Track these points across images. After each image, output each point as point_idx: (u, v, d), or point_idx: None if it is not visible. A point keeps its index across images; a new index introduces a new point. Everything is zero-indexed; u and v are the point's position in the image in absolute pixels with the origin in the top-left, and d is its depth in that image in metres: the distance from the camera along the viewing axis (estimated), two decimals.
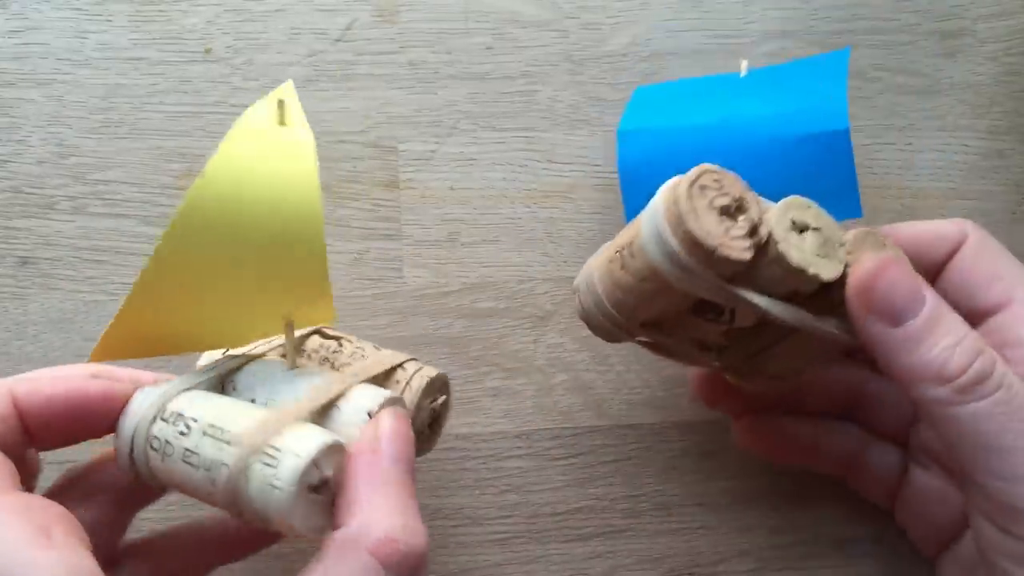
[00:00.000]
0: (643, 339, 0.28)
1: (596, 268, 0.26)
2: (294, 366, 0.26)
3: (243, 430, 0.22)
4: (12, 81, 0.34)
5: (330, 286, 0.25)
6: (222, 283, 0.25)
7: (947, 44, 0.37)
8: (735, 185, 0.24)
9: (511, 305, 0.35)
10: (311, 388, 0.25)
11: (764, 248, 0.23)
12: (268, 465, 0.22)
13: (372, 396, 0.25)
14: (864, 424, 0.32)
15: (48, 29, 0.34)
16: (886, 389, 0.31)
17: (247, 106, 0.34)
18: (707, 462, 0.35)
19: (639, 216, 0.24)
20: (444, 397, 0.28)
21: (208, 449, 0.22)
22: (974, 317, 0.27)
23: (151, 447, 0.23)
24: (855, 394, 0.31)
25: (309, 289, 0.25)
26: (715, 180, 0.23)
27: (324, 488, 0.22)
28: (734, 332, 0.27)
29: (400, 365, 0.27)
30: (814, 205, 0.24)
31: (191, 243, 0.24)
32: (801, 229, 0.24)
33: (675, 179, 0.24)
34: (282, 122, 0.26)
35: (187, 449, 0.23)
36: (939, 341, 0.23)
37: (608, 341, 0.28)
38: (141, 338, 0.25)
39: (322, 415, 0.24)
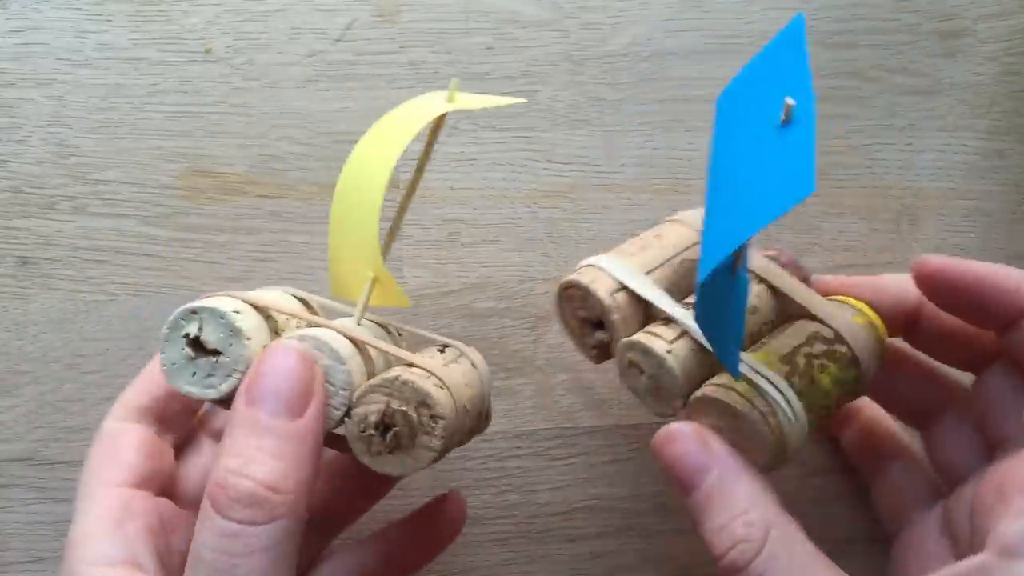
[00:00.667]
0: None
1: None
2: (359, 321, 0.26)
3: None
4: (12, 81, 0.34)
5: (381, 264, 0.26)
6: (343, 243, 0.26)
7: (947, 44, 0.37)
8: (595, 303, 0.26)
9: (511, 305, 0.35)
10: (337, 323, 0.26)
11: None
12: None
13: (327, 331, 0.25)
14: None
15: (48, 29, 0.34)
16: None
17: (247, 106, 0.35)
18: None
19: None
20: (403, 407, 0.23)
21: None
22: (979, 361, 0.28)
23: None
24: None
25: (369, 261, 0.26)
26: (580, 295, 0.27)
27: (206, 354, 0.24)
28: None
29: (414, 365, 0.25)
30: (656, 357, 0.25)
31: (337, 200, 0.26)
32: (640, 369, 0.26)
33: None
34: (450, 99, 0.26)
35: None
36: (712, 518, 0.24)
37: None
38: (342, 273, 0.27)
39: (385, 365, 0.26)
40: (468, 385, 0.25)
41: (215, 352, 0.24)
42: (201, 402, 0.28)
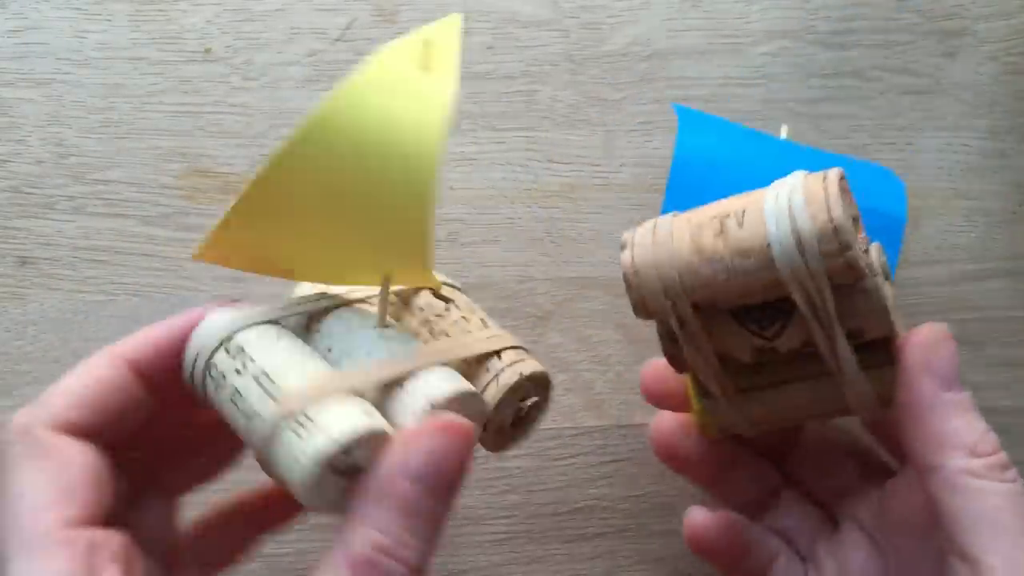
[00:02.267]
0: (670, 325, 0.25)
1: (674, 226, 0.24)
2: (383, 325, 0.24)
3: (288, 389, 0.21)
4: (12, 81, 0.34)
5: (432, 252, 0.23)
6: (325, 219, 0.23)
7: (947, 44, 0.37)
8: (854, 206, 0.23)
9: (511, 305, 0.35)
10: (386, 357, 0.22)
11: (863, 277, 0.23)
12: (298, 435, 0.20)
13: (440, 386, 0.22)
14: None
15: (48, 28, 0.34)
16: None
17: (247, 106, 0.35)
18: None
19: (759, 190, 0.23)
20: (537, 399, 0.25)
21: (254, 396, 0.21)
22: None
23: (209, 374, 0.22)
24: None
25: (409, 249, 0.23)
26: (847, 192, 0.23)
27: (352, 474, 0.21)
28: (762, 353, 0.25)
29: (497, 353, 0.24)
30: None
31: (299, 169, 0.22)
32: (885, 277, 0.24)
33: (819, 172, 0.23)
34: (426, 66, 0.23)
35: (236, 389, 0.21)
36: (978, 420, 0.24)
37: (637, 312, 0.25)
38: (242, 249, 0.24)
39: (386, 391, 0.22)
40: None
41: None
42: (156, 416, 0.24)
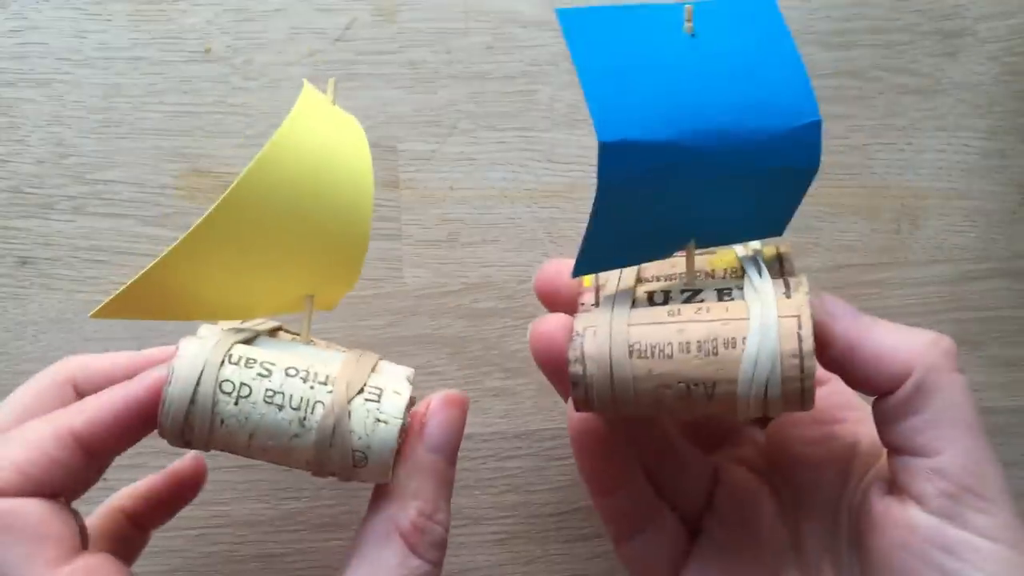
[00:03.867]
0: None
1: (641, 376, 0.23)
2: (309, 341, 0.26)
3: (339, 371, 0.24)
4: (12, 81, 0.34)
5: (361, 264, 0.26)
6: (259, 254, 0.24)
7: (947, 44, 0.37)
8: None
9: (511, 305, 0.35)
10: (344, 355, 0.25)
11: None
12: (372, 401, 0.23)
13: (399, 369, 0.25)
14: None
15: (47, 29, 0.34)
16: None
17: (247, 106, 0.35)
18: None
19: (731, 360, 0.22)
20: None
21: (298, 389, 0.23)
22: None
23: (221, 390, 0.23)
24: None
25: (342, 270, 0.26)
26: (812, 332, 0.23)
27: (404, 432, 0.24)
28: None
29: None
30: None
31: (245, 212, 0.23)
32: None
33: (796, 319, 0.22)
34: (333, 102, 0.26)
35: (269, 390, 0.23)
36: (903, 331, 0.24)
37: (578, 406, 0.24)
38: (159, 299, 0.24)
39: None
40: None
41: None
42: (95, 477, 0.25)
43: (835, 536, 0.26)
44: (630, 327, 0.23)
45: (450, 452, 0.25)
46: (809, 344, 0.22)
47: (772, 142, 0.24)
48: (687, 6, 0.24)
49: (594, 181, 0.36)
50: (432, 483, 0.24)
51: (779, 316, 0.22)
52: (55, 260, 0.34)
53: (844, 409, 0.28)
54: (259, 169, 0.23)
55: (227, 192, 0.23)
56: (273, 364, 0.23)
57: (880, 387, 0.23)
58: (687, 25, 0.24)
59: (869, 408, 0.25)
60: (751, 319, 0.23)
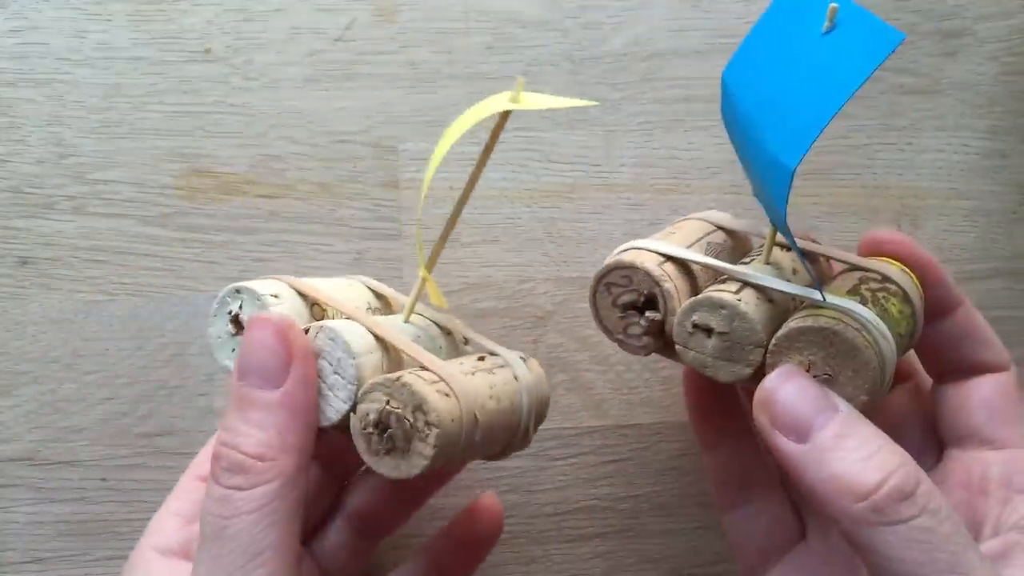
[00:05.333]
0: None
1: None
2: (407, 319, 0.27)
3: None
4: (12, 81, 0.34)
5: (422, 262, 0.27)
6: None
7: (947, 44, 0.37)
8: (645, 280, 0.25)
9: (511, 305, 0.35)
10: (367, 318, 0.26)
11: (670, 341, 0.25)
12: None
13: (340, 323, 0.25)
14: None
15: (47, 28, 0.34)
16: None
17: (247, 106, 0.35)
18: None
19: None
20: (398, 409, 0.23)
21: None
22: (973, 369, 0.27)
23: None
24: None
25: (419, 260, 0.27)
26: (624, 277, 0.26)
27: (240, 328, 0.25)
28: None
29: (423, 367, 0.25)
30: (732, 306, 0.24)
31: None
32: (708, 329, 0.24)
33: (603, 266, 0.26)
34: (514, 100, 0.25)
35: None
36: (849, 453, 0.21)
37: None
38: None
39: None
40: (495, 398, 0.24)
41: None
42: None
43: None
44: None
45: (247, 373, 0.23)
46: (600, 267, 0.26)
47: (765, 148, 0.24)
48: (832, 5, 0.24)
49: (594, 180, 0.36)
50: (232, 408, 0.23)
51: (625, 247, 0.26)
52: (55, 260, 0.34)
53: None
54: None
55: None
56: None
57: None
58: (826, 23, 0.25)
59: None
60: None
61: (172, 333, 0.34)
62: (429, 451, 0.22)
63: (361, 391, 0.23)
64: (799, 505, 0.29)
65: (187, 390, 0.33)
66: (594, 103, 0.24)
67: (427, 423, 0.22)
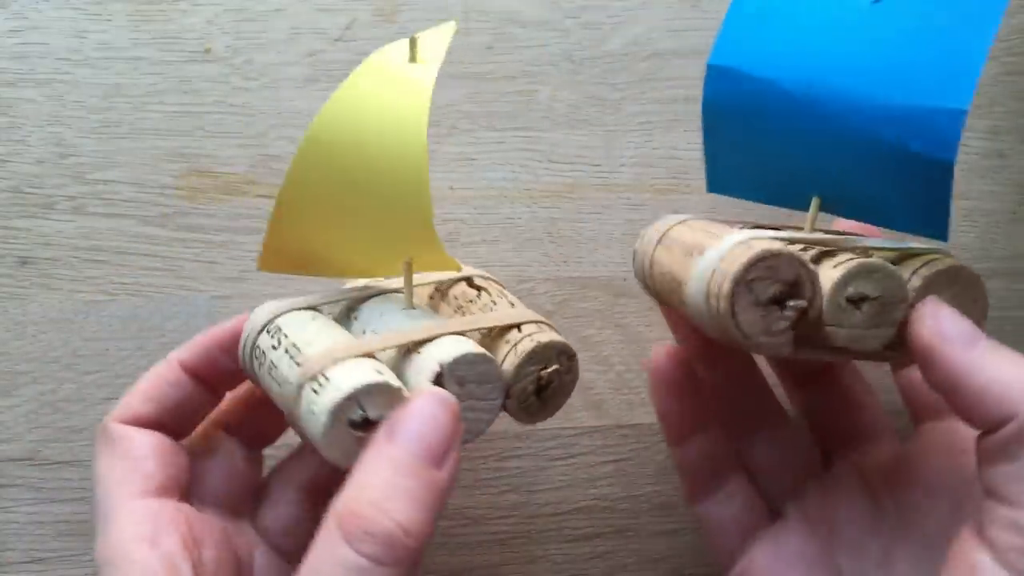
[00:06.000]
0: None
1: (655, 261, 0.27)
2: (411, 305, 0.26)
3: (310, 355, 0.23)
4: (12, 81, 0.34)
5: (435, 234, 0.25)
6: (346, 216, 0.25)
7: None
8: (790, 266, 0.23)
9: None
10: (406, 329, 0.24)
11: (817, 321, 0.23)
12: (315, 391, 0.22)
13: (451, 348, 0.24)
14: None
15: (47, 28, 0.34)
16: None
17: (247, 106, 0.35)
18: None
19: (689, 264, 0.24)
20: (557, 366, 0.25)
21: (284, 365, 0.24)
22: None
23: (254, 355, 0.25)
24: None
25: (418, 232, 0.25)
26: (768, 267, 0.22)
27: (369, 427, 0.22)
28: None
29: (517, 326, 0.26)
30: (882, 267, 0.23)
31: (313, 172, 0.25)
32: (859, 300, 0.23)
33: (726, 261, 0.23)
34: (413, 59, 0.25)
35: (272, 362, 0.24)
36: (1015, 358, 0.22)
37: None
38: (290, 254, 0.27)
39: (403, 356, 0.24)
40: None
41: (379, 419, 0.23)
42: (210, 404, 0.28)
43: (927, 571, 0.25)
44: (678, 224, 0.27)
45: (412, 441, 0.22)
46: (735, 265, 0.22)
47: (902, 118, 0.23)
48: None
49: (594, 180, 0.36)
50: (385, 470, 0.21)
51: (742, 240, 0.23)
52: (55, 260, 0.34)
53: None
54: (318, 127, 0.24)
55: (297, 151, 0.24)
56: (286, 337, 0.24)
57: (980, 424, 0.22)
58: None
59: None
60: (726, 237, 0.24)
61: (172, 333, 0.34)
62: (576, 375, 0.26)
63: (507, 378, 0.25)
64: (768, 485, 0.30)
65: None
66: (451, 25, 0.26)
67: (569, 356, 0.25)
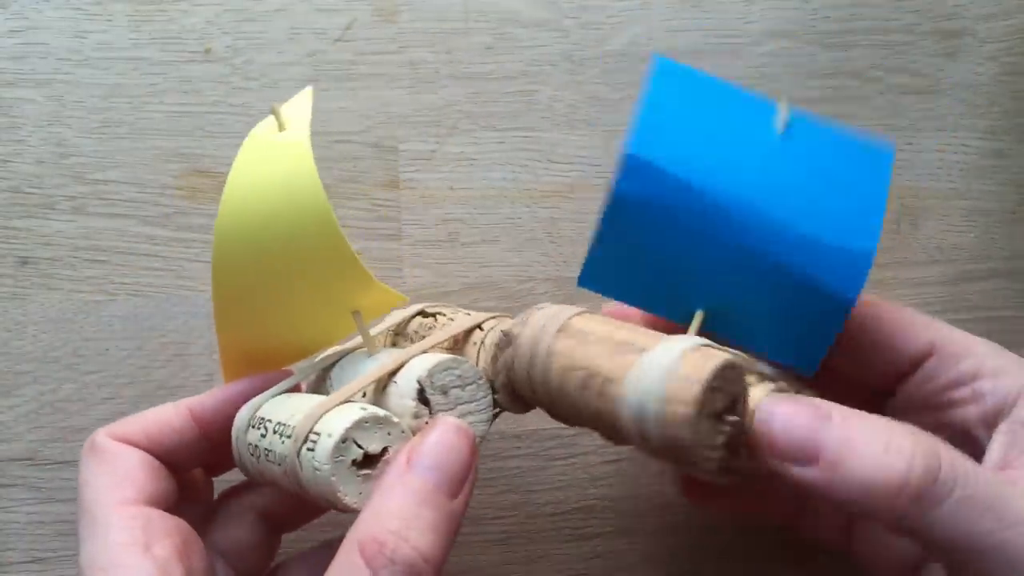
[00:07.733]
0: None
1: (557, 352, 0.23)
2: (372, 351, 0.26)
3: (296, 422, 0.23)
4: (12, 81, 0.34)
5: (367, 273, 0.25)
6: (280, 296, 0.25)
7: (947, 44, 0.37)
8: (739, 380, 0.21)
9: (511, 305, 0.35)
10: (374, 368, 0.25)
11: (737, 442, 0.21)
12: (311, 450, 0.22)
13: (423, 363, 0.24)
14: None
15: (48, 29, 0.34)
16: None
17: (247, 106, 0.35)
18: None
19: (629, 363, 0.21)
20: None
21: (278, 446, 0.24)
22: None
23: (250, 453, 0.25)
24: None
25: (348, 279, 0.25)
26: (725, 379, 0.21)
27: (375, 462, 0.22)
28: None
29: (478, 326, 0.26)
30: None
31: (232, 268, 0.25)
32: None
33: (689, 366, 0.20)
34: (281, 128, 0.26)
35: (266, 449, 0.24)
36: (864, 454, 0.20)
37: (504, 403, 0.25)
38: (248, 356, 0.27)
39: (380, 392, 0.25)
40: None
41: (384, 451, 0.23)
42: (207, 454, 0.27)
43: None
44: (576, 316, 0.24)
45: (432, 470, 0.22)
46: (704, 372, 0.20)
47: (812, 249, 0.22)
48: (785, 104, 0.24)
49: (594, 180, 0.36)
50: (405, 499, 0.22)
51: (694, 346, 0.21)
52: (55, 260, 0.34)
53: (954, 388, 0.24)
54: (221, 217, 0.25)
55: (213, 251, 0.25)
56: (270, 422, 0.24)
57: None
58: (780, 122, 0.24)
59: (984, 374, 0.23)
60: (672, 340, 0.21)
61: (172, 333, 0.34)
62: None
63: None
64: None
65: (187, 390, 0.33)
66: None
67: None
